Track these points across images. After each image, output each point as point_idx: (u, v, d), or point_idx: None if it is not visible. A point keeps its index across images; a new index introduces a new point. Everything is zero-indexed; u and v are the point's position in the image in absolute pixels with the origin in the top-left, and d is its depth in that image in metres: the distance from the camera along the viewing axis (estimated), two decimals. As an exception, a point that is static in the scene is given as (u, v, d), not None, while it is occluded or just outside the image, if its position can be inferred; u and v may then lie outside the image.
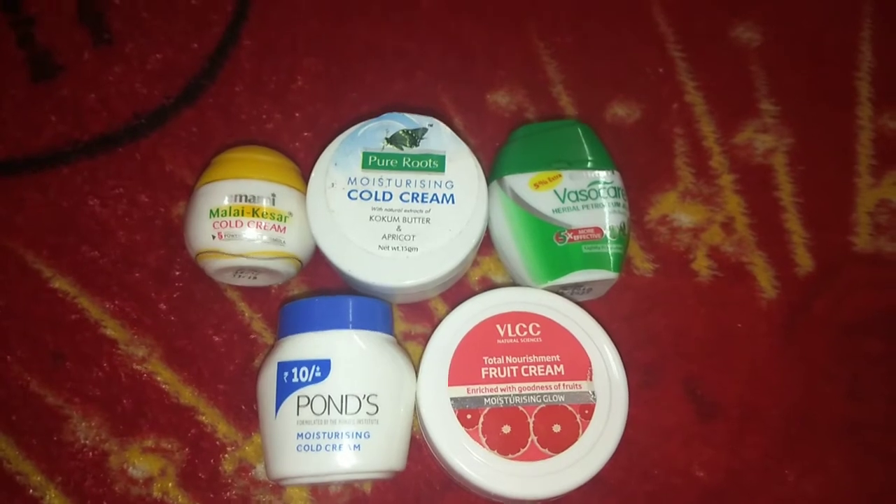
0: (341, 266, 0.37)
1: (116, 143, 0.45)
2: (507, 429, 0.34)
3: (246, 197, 0.37)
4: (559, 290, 0.38)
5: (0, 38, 0.47)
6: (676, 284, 0.43)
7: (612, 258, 0.38)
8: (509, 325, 0.36)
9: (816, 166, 0.46)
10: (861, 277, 0.43)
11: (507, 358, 0.35)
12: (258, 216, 0.37)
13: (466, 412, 0.34)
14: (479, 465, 0.34)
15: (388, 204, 0.37)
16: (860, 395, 0.41)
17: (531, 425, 0.34)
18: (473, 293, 0.38)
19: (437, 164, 0.38)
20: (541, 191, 0.39)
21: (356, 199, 0.37)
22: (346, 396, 0.33)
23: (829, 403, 0.41)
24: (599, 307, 0.40)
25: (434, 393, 0.35)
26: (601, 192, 0.39)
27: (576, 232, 0.38)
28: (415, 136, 0.39)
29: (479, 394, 0.35)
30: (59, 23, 0.47)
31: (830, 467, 0.39)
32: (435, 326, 0.37)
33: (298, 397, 0.33)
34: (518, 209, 0.39)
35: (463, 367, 0.35)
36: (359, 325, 0.35)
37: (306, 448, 0.33)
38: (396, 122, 0.39)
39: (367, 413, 0.34)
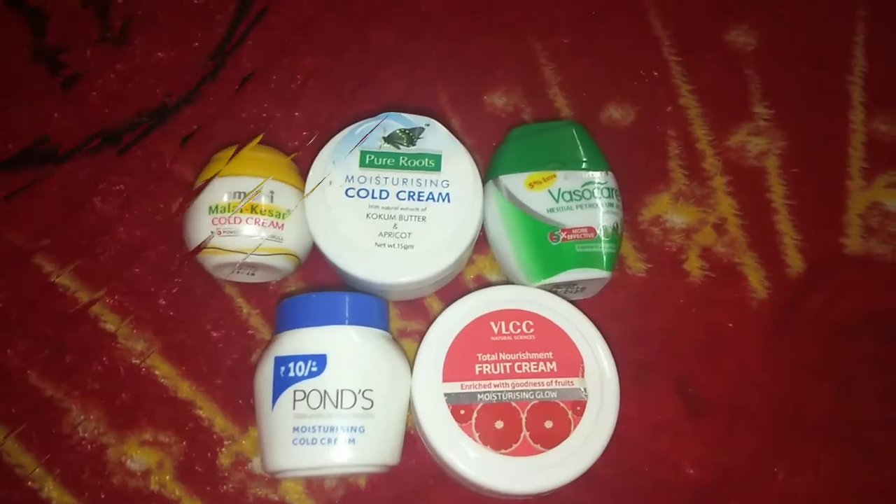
0: (338, 263, 0.37)
1: (118, 140, 0.45)
2: (499, 424, 0.35)
3: (245, 194, 0.37)
4: (553, 289, 0.39)
5: (7, 35, 0.47)
6: (668, 284, 0.43)
7: (605, 257, 0.38)
8: (503, 323, 0.37)
9: (809, 169, 0.46)
10: (851, 278, 0.44)
11: (500, 354, 0.36)
12: (257, 213, 0.37)
13: (460, 407, 0.35)
14: (473, 459, 0.34)
15: (384, 202, 0.38)
16: (849, 394, 0.41)
17: (524, 421, 0.35)
18: (468, 291, 0.38)
19: (434, 163, 0.39)
20: (535, 190, 0.39)
21: (353, 196, 0.38)
22: (342, 391, 0.34)
23: (818, 402, 0.41)
24: (592, 306, 0.40)
25: (428, 388, 0.35)
26: (595, 192, 0.39)
27: (569, 231, 0.38)
28: (412, 136, 0.39)
29: (472, 390, 0.35)
30: (63, 20, 0.48)
31: (820, 465, 0.40)
32: (430, 323, 0.37)
33: (295, 391, 0.34)
34: (513, 208, 0.39)
35: (457, 364, 0.36)
36: (355, 321, 0.36)
37: (302, 442, 0.33)
38: (394, 122, 0.40)
39: (363, 408, 0.34)
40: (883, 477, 0.40)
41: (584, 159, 0.40)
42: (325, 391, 0.34)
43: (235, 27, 0.48)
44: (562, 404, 0.35)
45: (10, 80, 0.46)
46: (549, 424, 0.35)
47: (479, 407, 0.35)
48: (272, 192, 0.38)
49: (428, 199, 0.38)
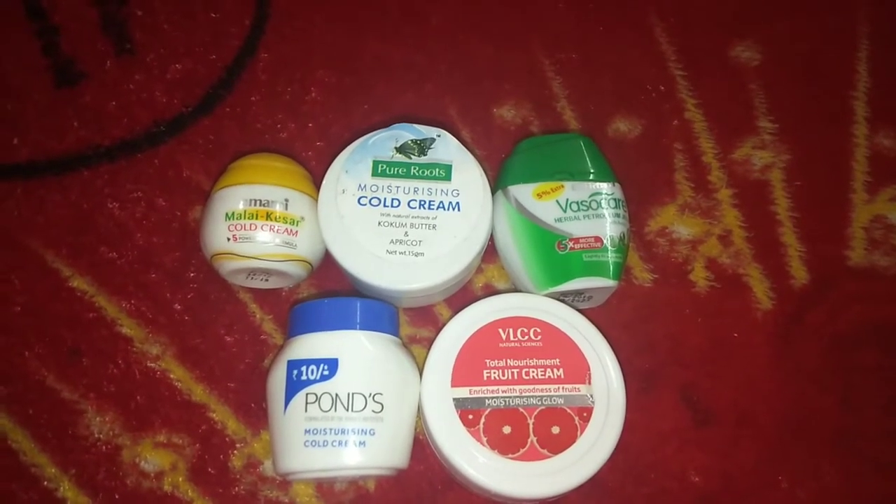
0: (350, 269, 0.38)
1: (136, 149, 0.46)
2: (507, 429, 0.35)
3: (260, 201, 0.38)
4: (560, 297, 0.40)
5: (26, 45, 0.49)
6: (674, 294, 0.44)
7: (611, 267, 0.39)
8: (511, 330, 0.37)
9: (813, 182, 0.47)
10: (855, 290, 0.44)
11: (508, 361, 0.37)
12: (272, 220, 0.38)
13: (468, 412, 0.35)
14: (480, 464, 0.35)
15: (396, 210, 0.39)
16: (852, 404, 0.42)
17: (531, 426, 0.35)
18: (477, 298, 0.39)
19: (444, 173, 0.40)
20: (543, 200, 0.40)
21: (366, 205, 0.39)
22: (353, 394, 0.35)
23: (822, 412, 0.42)
24: (599, 315, 0.41)
25: (437, 393, 0.36)
26: (602, 203, 0.40)
27: (577, 241, 0.39)
28: (423, 146, 0.40)
29: (480, 395, 0.36)
30: (82, 32, 0.49)
31: (823, 475, 0.40)
32: (439, 330, 0.38)
33: (307, 394, 0.35)
34: (521, 218, 0.40)
35: (466, 369, 0.36)
36: (366, 326, 0.36)
37: (313, 444, 0.34)
38: (405, 133, 0.41)
39: (373, 411, 0.35)
40: (886, 487, 0.40)
41: (592, 171, 0.41)
42: (337, 394, 0.34)
43: (251, 41, 0.49)
44: (569, 410, 0.36)
45: (29, 90, 0.47)
46: (555, 430, 0.35)
47: (487, 412, 0.35)
48: (287, 200, 0.39)
49: (438, 207, 0.39)
